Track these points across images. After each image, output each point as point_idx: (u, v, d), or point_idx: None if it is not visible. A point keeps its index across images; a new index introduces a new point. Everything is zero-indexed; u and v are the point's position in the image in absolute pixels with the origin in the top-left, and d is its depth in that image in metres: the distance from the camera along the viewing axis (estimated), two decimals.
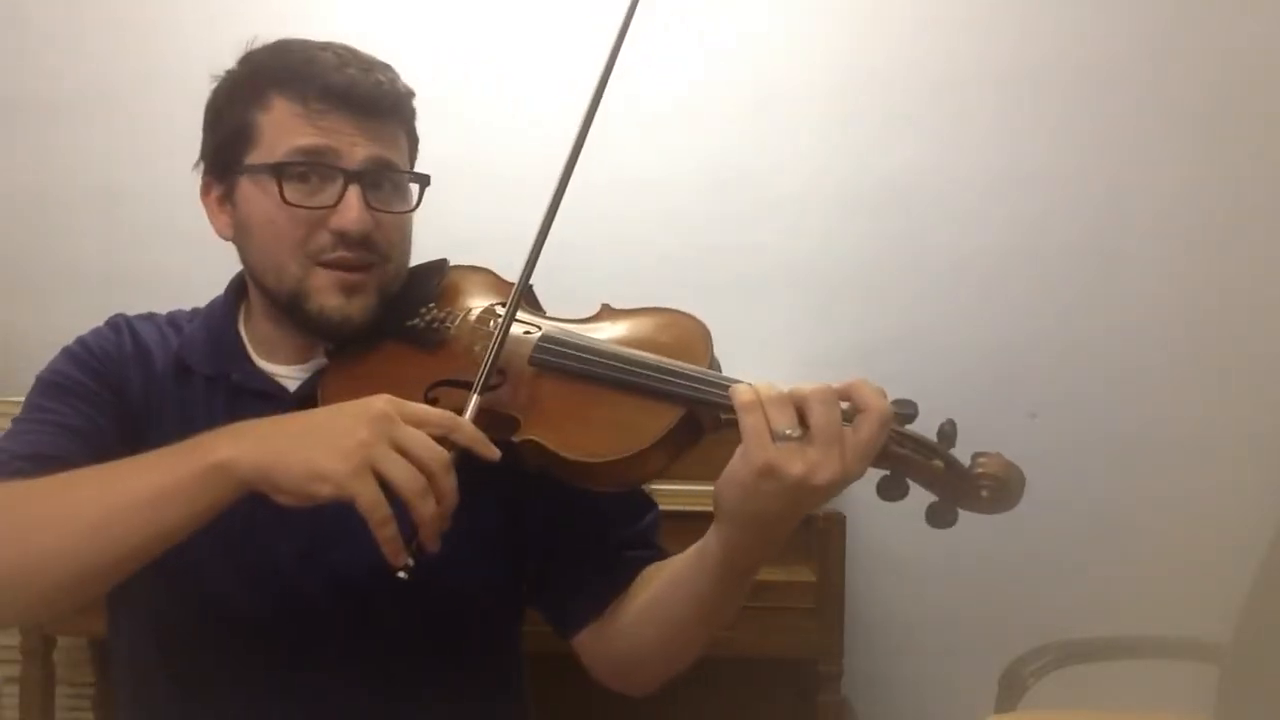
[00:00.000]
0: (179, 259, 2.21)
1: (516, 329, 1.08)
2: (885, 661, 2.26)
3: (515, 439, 1.00)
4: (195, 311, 1.22)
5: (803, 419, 0.88)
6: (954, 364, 2.22)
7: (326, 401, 1.08)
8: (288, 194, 1.06)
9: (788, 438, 0.87)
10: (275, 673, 1.08)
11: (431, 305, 1.14)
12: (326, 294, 1.07)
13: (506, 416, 1.02)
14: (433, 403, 1.03)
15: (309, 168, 1.07)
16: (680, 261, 2.23)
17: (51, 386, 1.11)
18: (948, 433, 0.94)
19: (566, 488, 1.05)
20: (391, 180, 1.12)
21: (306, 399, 1.10)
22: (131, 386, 1.12)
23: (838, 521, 1.84)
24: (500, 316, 1.08)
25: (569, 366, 1.04)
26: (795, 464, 0.87)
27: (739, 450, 0.90)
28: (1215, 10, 2.20)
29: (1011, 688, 1.92)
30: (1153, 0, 2.21)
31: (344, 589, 1.07)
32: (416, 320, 1.12)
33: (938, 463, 0.94)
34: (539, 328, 1.10)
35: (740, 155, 2.25)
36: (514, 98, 2.24)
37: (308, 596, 1.08)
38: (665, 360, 1.02)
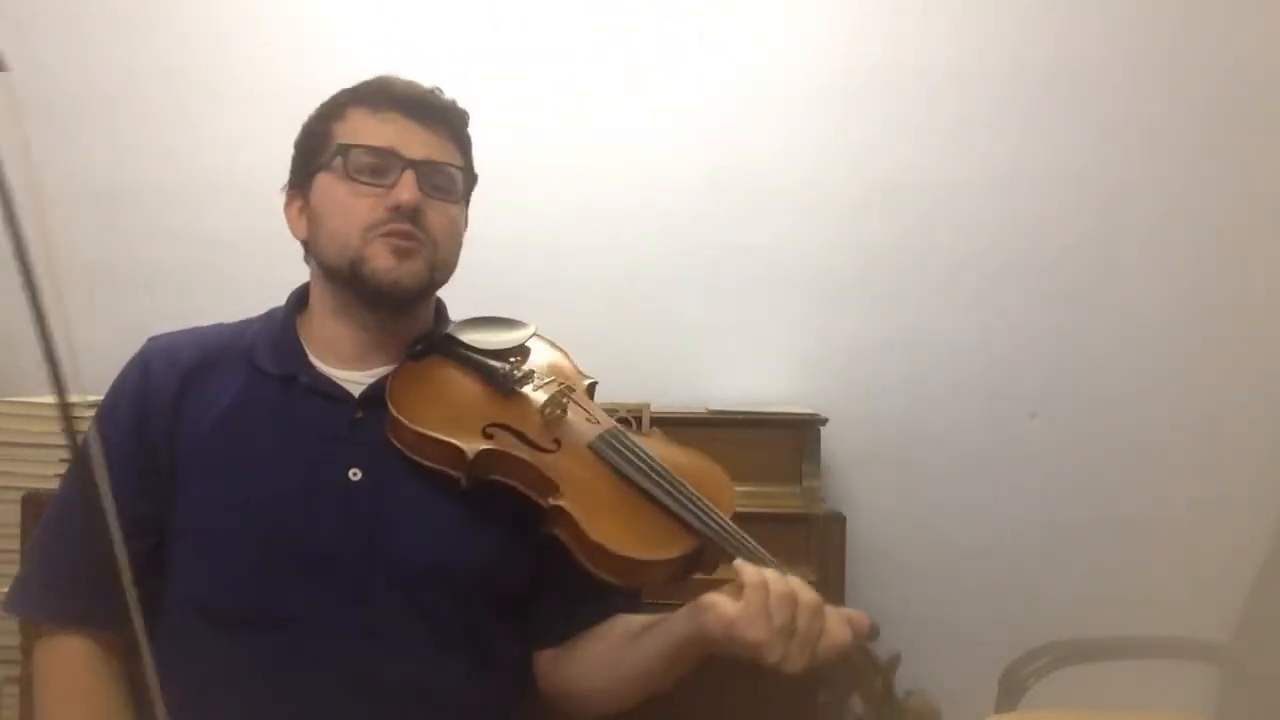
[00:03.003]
0: (179, 259, 2.22)
1: (579, 415, 1.22)
2: None
3: (550, 502, 1.11)
4: (247, 321, 1.31)
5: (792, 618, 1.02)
6: (954, 364, 2.22)
7: (392, 393, 1.19)
8: (351, 170, 1.20)
9: (777, 629, 1.01)
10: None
11: (520, 359, 1.27)
12: (380, 258, 1.19)
13: (551, 481, 1.13)
14: (489, 438, 1.16)
15: (374, 156, 1.20)
16: (681, 261, 2.23)
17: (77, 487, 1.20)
18: (893, 663, 1.09)
19: None
20: (442, 178, 1.24)
21: (371, 399, 1.21)
22: (153, 408, 1.21)
23: (838, 521, 1.83)
24: (568, 399, 1.22)
25: (621, 465, 1.16)
26: (775, 653, 1.01)
27: (740, 606, 1.02)
28: (1216, 10, 2.20)
29: (1011, 688, 1.92)
30: (1153, 0, 2.21)
31: (400, 579, 1.16)
32: (507, 366, 1.24)
33: (878, 682, 1.08)
34: (599, 422, 1.22)
35: (741, 155, 2.25)
36: (515, 104, 2.24)
37: (370, 587, 1.15)
38: (701, 497, 1.13)
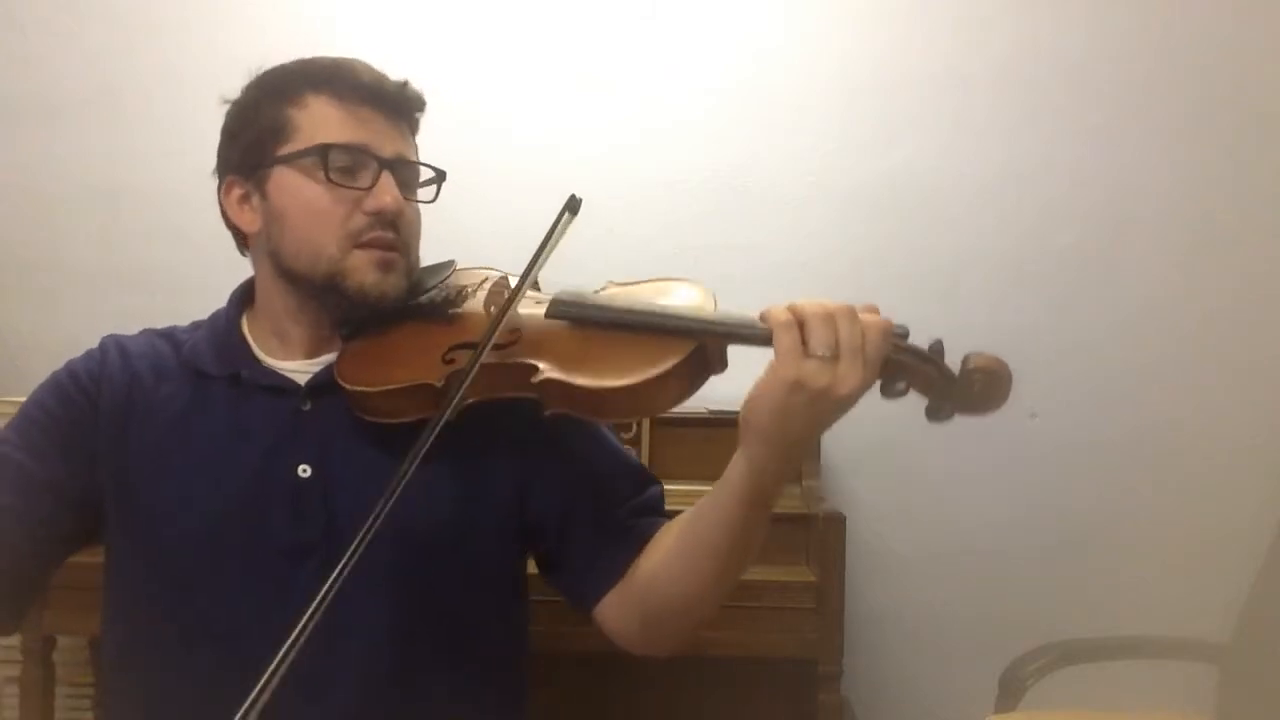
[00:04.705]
0: (179, 259, 2.22)
1: (526, 303, 1.15)
2: (885, 661, 2.26)
3: (534, 381, 1.06)
4: (196, 324, 1.27)
5: None
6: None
7: (343, 374, 1.14)
8: (332, 175, 1.14)
9: (820, 356, 0.96)
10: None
11: (444, 283, 1.21)
12: (364, 271, 1.15)
13: (525, 365, 1.08)
14: (450, 364, 1.10)
15: (349, 155, 1.14)
16: (680, 261, 2.23)
17: (26, 420, 1.17)
18: (937, 349, 1.04)
19: (571, 463, 1.16)
20: (410, 174, 1.20)
21: (318, 388, 1.17)
22: (106, 397, 1.17)
23: (838, 521, 1.83)
24: (512, 288, 1.14)
25: (584, 314, 1.11)
26: (822, 377, 0.96)
27: (768, 368, 0.98)
28: (1215, 9, 2.20)
29: (1011, 688, 1.92)
30: (1153, 1, 2.21)
31: (359, 579, 1.06)
32: (435, 294, 1.19)
33: (932, 368, 1.03)
34: (549, 297, 1.16)
35: (740, 155, 2.25)
36: (513, 104, 2.25)
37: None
38: (674, 307, 1.10)
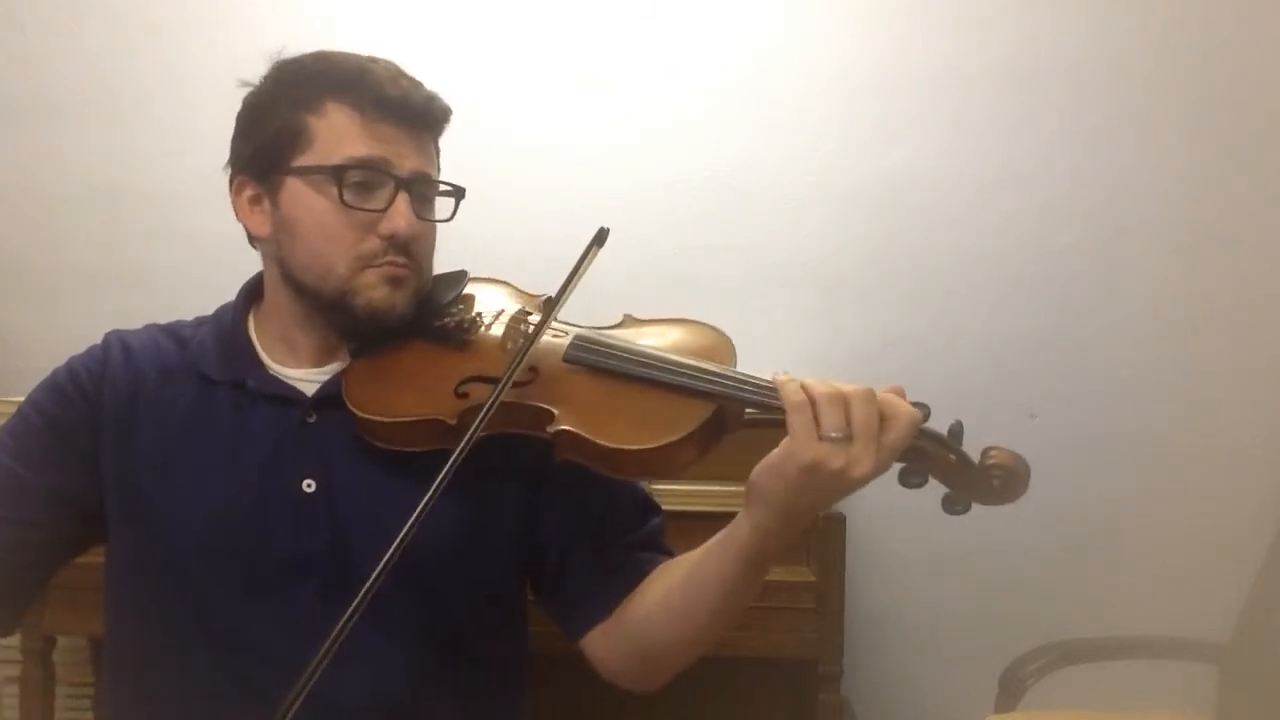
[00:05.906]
0: (179, 259, 2.22)
1: (547, 334, 1.12)
2: (885, 661, 2.26)
3: (550, 429, 1.05)
4: (200, 320, 1.25)
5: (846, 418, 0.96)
6: (954, 364, 2.22)
7: (352, 397, 1.12)
8: (346, 197, 1.11)
9: (833, 439, 0.95)
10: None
11: (459, 307, 1.18)
12: (374, 288, 1.12)
13: (541, 409, 1.06)
14: (463, 398, 1.08)
15: (364, 173, 1.11)
16: (680, 261, 2.23)
17: (22, 424, 1.16)
18: (956, 431, 1.03)
19: (581, 495, 1.14)
20: (429, 191, 1.18)
21: (324, 400, 1.15)
22: (108, 397, 1.16)
23: (838, 521, 1.84)
24: (525, 323, 1.14)
25: (603, 363, 1.09)
26: (837, 460, 0.95)
27: (784, 443, 0.97)
28: (1215, 9, 2.20)
29: (1011, 688, 1.92)
30: (1152, 1, 2.21)
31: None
32: (446, 319, 1.16)
33: (952, 456, 1.02)
34: (568, 333, 1.14)
35: (740, 155, 2.24)
36: (514, 104, 2.24)
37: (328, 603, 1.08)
38: (697, 360, 1.07)
